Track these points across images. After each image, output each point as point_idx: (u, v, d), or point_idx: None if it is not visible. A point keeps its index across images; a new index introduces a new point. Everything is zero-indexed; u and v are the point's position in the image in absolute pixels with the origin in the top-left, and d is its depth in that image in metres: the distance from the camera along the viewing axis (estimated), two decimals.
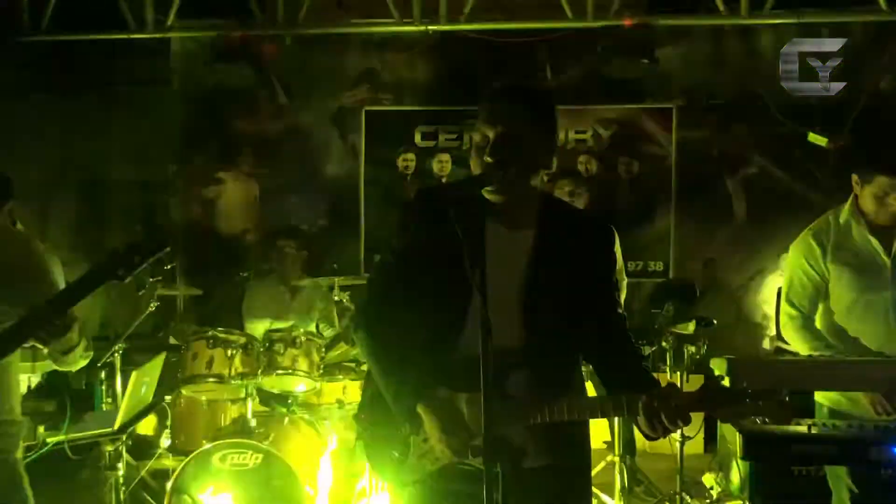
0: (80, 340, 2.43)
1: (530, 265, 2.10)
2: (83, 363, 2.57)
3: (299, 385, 4.46)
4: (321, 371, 4.47)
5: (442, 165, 6.51)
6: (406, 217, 2.20)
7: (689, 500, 4.36)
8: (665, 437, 1.97)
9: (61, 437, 3.68)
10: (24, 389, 4.04)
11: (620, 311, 2.24)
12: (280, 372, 4.34)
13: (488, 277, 1.85)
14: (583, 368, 2.34)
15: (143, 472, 4.34)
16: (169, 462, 4.38)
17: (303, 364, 4.36)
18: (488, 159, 2.02)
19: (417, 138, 6.58)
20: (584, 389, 2.22)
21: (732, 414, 1.96)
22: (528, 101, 2.11)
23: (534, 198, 2.16)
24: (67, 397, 3.89)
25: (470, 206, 1.92)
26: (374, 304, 2.24)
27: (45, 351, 2.46)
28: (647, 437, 1.98)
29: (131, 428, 4.15)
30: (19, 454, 2.59)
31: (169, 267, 2.31)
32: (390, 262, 2.22)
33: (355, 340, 2.28)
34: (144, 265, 2.22)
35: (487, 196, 1.99)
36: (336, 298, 5.07)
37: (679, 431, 4.39)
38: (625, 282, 5.07)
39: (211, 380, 4.25)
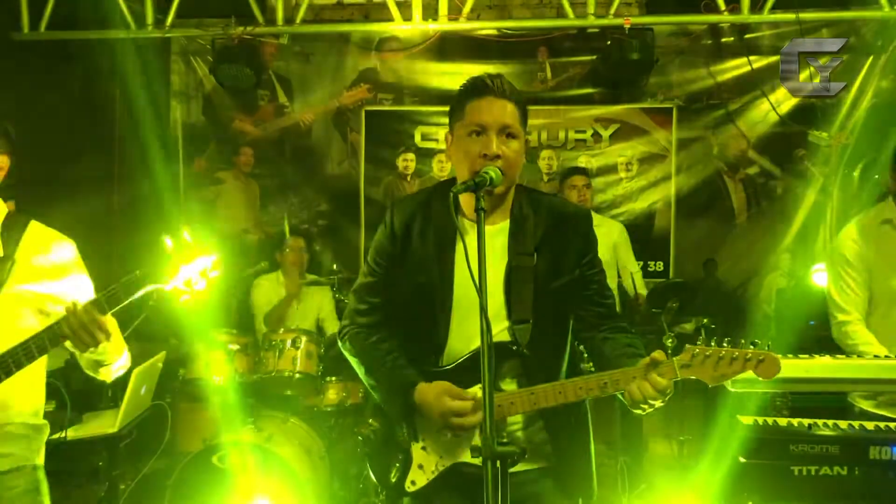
0: (115, 356, 2.33)
1: (509, 257, 2.10)
2: (118, 375, 2.46)
3: (298, 385, 4.47)
4: (321, 371, 4.48)
5: (442, 165, 6.51)
6: (387, 226, 2.19)
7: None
8: (650, 408, 1.96)
9: (61, 438, 3.68)
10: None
11: (607, 291, 2.22)
12: (280, 372, 4.34)
13: (473, 275, 1.83)
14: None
15: (142, 472, 4.34)
16: (168, 462, 4.38)
17: (303, 364, 4.37)
18: (492, 152, 2.01)
19: (417, 138, 6.58)
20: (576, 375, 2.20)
21: (719, 376, 1.95)
22: (516, 97, 2.09)
23: (509, 191, 2.14)
24: (67, 397, 3.87)
25: (448, 207, 1.90)
26: (357, 312, 2.24)
27: (82, 362, 2.37)
28: (632, 408, 1.98)
29: (131, 428, 4.16)
30: (40, 460, 2.44)
31: (214, 276, 2.20)
32: (374, 271, 2.22)
33: (343, 351, 2.28)
34: (190, 272, 2.13)
35: (470, 196, 1.96)
36: (337, 297, 5.07)
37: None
38: (639, 274, 5.07)
39: (211, 380, 4.26)
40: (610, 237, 4.91)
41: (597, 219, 5.01)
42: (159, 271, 2.12)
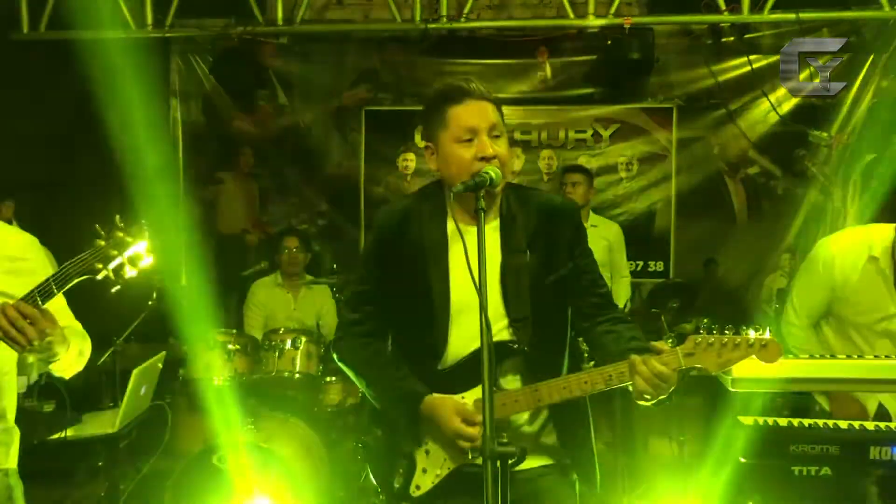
0: (62, 349, 2.18)
1: (501, 255, 2.09)
2: (77, 369, 2.37)
3: (298, 385, 4.46)
4: (321, 371, 4.47)
5: None
6: (376, 233, 2.19)
7: None
8: (656, 398, 1.95)
9: (61, 438, 3.69)
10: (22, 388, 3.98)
11: (601, 280, 2.21)
12: (280, 372, 4.34)
13: (467, 275, 1.83)
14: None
15: (142, 472, 4.34)
16: (168, 462, 4.37)
17: (303, 364, 4.37)
18: (489, 153, 2.01)
19: (417, 138, 6.57)
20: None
21: (723, 362, 1.95)
22: (492, 98, 2.09)
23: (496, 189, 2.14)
24: (67, 397, 3.87)
25: (436, 210, 1.91)
26: (352, 323, 2.21)
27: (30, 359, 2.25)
28: (636, 399, 1.97)
29: (131, 428, 4.16)
30: (12, 464, 2.37)
31: (146, 263, 2.22)
32: (366, 279, 2.20)
33: (338, 363, 2.25)
34: (121, 259, 2.15)
35: (461, 199, 1.97)
36: (337, 297, 5.07)
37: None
38: (628, 279, 5.06)
39: (211, 380, 4.26)
40: (606, 238, 4.90)
41: (594, 218, 5.04)
42: (91, 261, 2.13)
